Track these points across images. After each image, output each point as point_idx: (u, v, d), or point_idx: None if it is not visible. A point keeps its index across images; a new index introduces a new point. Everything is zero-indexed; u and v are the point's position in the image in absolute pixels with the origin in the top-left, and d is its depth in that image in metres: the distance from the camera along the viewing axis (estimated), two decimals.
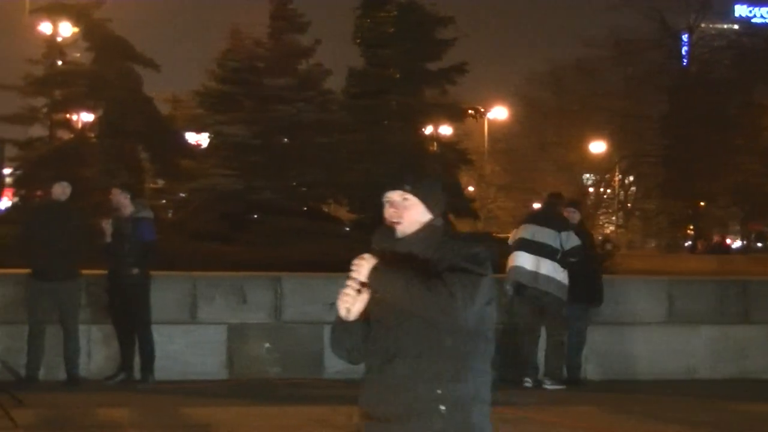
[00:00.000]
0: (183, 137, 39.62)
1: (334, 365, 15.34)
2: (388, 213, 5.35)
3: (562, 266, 14.70)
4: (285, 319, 15.39)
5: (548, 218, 15.21)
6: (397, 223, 5.34)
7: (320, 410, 12.95)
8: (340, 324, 5.53)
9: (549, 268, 14.71)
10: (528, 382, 14.88)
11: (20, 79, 41.29)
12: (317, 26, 37.25)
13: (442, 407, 5.15)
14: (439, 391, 5.18)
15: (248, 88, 34.27)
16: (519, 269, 14.76)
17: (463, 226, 36.13)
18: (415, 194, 5.35)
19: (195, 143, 39.90)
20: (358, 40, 35.65)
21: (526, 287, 14.75)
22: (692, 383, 15.81)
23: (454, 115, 37.16)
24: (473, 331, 5.19)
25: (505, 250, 15.44)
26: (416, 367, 5.23)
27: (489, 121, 72.11)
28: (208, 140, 38.33)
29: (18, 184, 39.13)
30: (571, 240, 14.81)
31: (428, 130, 36.18)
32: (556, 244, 14.74)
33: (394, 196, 5.39)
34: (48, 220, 14.47)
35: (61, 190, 14.70)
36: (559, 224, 14.99)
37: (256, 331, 15.33)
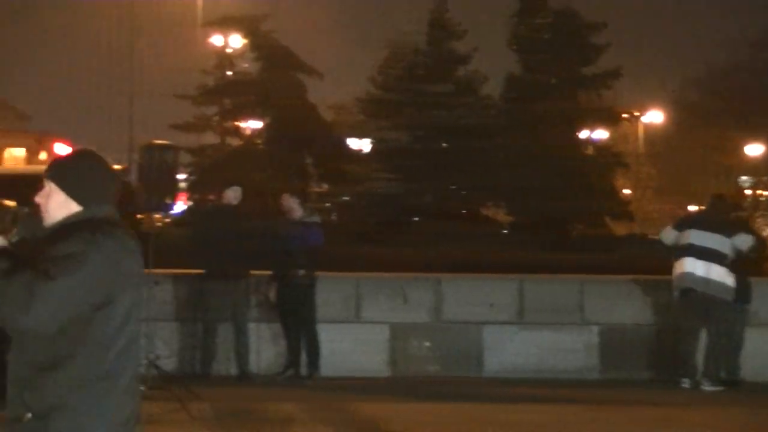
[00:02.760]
0: (345, 143, 39.87)
1: (493, 364, 15.34)
2: (36, 199, 4.81)
3: (731, 270, 14.39)
4: (445, 319, 15.39)
5: (715, 223, 14.81)
6: (43, 211, 4.80)
7: (480, 408, 12.91)
8: None
9: (720, 273, 14.38)
10: (685, 383, 14.59)
11: (193, 90, 42.14)
12: (474, 34, 37.21)
13: (29, 414, 4.52)
14: (25, 397, 4.55)
15: (408, 95, 34.38)
16: (690, 275, 14.44)
17: (620, 228, 35.68)
18: (55, 182, 4.77)
19: (357, 149, 40.11)
20: (515, 47, 35.45)
21: (696, 291, 14.46)
22: None
23: (609, 119, 36.73)
24: (67, 337, 4.45)
25: (658, 249, 15.22)
26: (10, 369, 4.62)
27: (644, 124, 71.09)
28: (369, 145, 38.54)
29: (191, 188, 39.90)
30: (745, 240, 14.51)
31: (583, 134, 35.82)
32: (724, 249, 14.40)
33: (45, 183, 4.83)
34: (221, 222, 14.73)
35: (234, 195, 14.99)
36: (728, 229, 14.64)
37: (417, 331, 15.35)
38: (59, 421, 4.47)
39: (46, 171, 4.88)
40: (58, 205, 4.74)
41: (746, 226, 15.18)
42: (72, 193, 4.73)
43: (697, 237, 14.62)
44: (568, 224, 31.36)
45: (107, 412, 4.58)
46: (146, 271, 13.28)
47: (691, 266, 14.45)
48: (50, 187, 4.75)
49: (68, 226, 4.66)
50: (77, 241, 4.52)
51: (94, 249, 4.51)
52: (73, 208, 4.72)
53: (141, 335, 4.88)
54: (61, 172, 4.81)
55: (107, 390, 4.56)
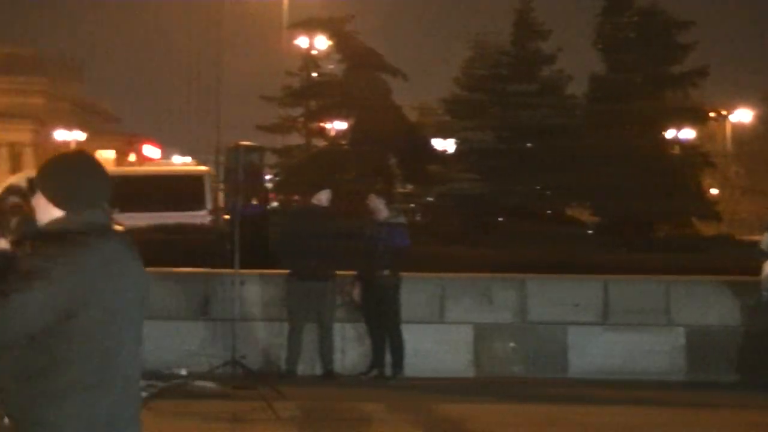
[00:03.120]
0: (430, 143, 39.85)
1: (578, 365, 15.28)
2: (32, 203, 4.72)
3: None
4: (529, 320, 15.37)
5: None
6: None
7: (564, 409, 12.90)
8: None
9: None
10: None
11: (279, 91, 42.43)
12: (558, 33, 37.08)
13: (5, 419, 4.47)
14: (4, 407, 4.52)
15: (493, 95, 34.31)
16: None
17: (707, 229, 35.32)
18: (38, 186, 4.72)
19: (441, 149, 40.09)
20: (600, 46, 35.18)
21: None
22: None
23: (696, 118, 36.32)
24: (36, 349, 4.41)
25: (747, 252, 15.07)
26: None
27: (732, 123, 70.34)
28: (454, 146, 38.50)
29: (277, 189, 40.16)
30: None
31: (670, 133, 35.47)
32: None
33: None
34: (311, 224, 14.83)
35: (325, 197, 15.10)
36: None
37: (501, 331, 15.35)
38: None
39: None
40: (41, 210, 4.69)
41: None
42: (52, 198, 4.66)
43: None
44: (653, 225, 31.08)
45: (90, 425, 4.46)
46: (233, 271, 13.51)
47: None
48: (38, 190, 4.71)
49: (45, 235, 4.59)
50: (41, 256, 4.46)
51: (54, 265, 4.42)
52: (54, 213, 4.66)
53: (138, 341, 4.70)
54: (43, 175, 4.76)
55: (89, 403, 4.45)
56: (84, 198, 4.72)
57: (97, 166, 4.87)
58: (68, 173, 4.77)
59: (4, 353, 4.39)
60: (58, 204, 4.65)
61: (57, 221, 4.65)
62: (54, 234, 4.62)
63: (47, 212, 4.67)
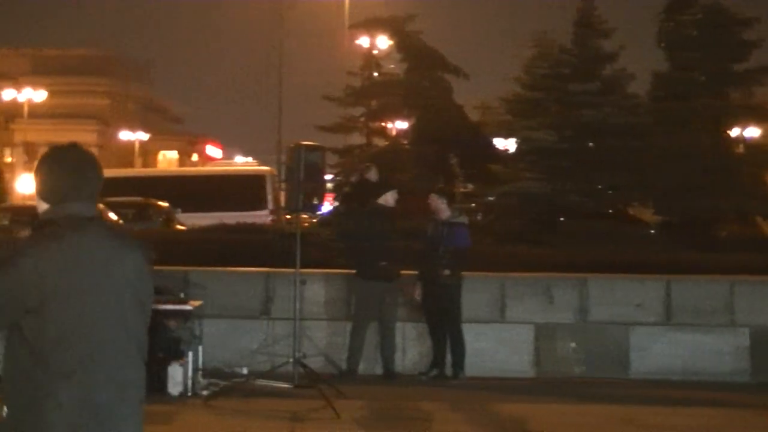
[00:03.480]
0: (491, 143, 39.78)
1: (640, 366, 15.18)
2: None
3: None
4: (591, 320, 15.31)
5: None
6: None
7: (626, 410, 12.82)
8: None
9: None
10: None
11: (340, 91, 42.52)
12: (621, 31, 36.86)
13: (5, 408, 4.63)
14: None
15: (554, 94, 34.11)
16: None
17: None
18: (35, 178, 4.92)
19: (503, 148, 39.99)
20: (662, 44, 34.89)
21: None
22: None
23: (761, 116, 35.92)
24: (10, 340, 4.58)
25: None
26: None
27: None
28: (515, 145, 38.37)
29: (337, 189, 40.27)
30: None
31: (734, 132, 35.14)
32: None
33: None
34: (376, 224, 14.86)
35: (392, 197, 15.11)
36: None
37: (562, 331, 15.30)
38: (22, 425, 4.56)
39: None
40: (37, 204, 4.83)
41: None
42: (38, 192, 4.80)
43: None
44: (717, 224, 30.81)
45: (77, 413, 4.58)
46: (293, 270, 13.54)
47: None
48: None
49: (33, 226, 4.77)
50: (16, 247, 4.60)
51: (21, 255, 4.56)
52: (43, 205, 4.79)
53: (128, 326, 4.74)
54: (34, 171, 4.94)
55: (71, 391, 4.56)
56: (66, 191, 4.81)
57: (82, 160, 4.98)
58: (51, 168, 4.87)
59: None
60: (43, 198, 4.80)
61: (44, 213, 4.79)
62: (35, 226, 4.81)
63: (39, 205, 4.82)
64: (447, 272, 14.54)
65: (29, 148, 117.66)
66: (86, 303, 4.69)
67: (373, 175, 17.61)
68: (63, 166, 4.91)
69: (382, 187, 15.57)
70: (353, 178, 18.88)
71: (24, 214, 27.91)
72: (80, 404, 4.61)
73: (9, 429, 4.65)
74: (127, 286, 4.85)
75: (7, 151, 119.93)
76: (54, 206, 4.80)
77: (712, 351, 15.20)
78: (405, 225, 15.72)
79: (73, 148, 5.04)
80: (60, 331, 4.59)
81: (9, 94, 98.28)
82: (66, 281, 4.62)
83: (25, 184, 75.58)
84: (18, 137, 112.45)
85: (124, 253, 4.88)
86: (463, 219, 15.15)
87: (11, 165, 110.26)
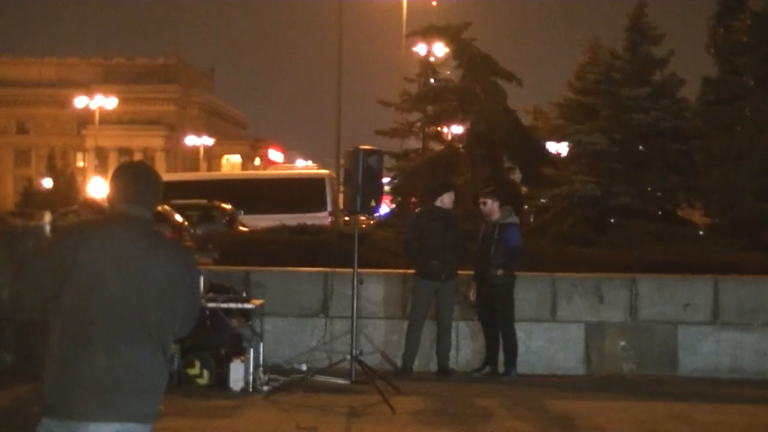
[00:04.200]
0: (544, 146, 39.68)
1: (688, 364, 15.11)
2: None
3: None
4: (641, 318, 15.25)
5: None
6: None
7: (675, 407, 12.77)
8: None
9: None
10: None
11: (397, 97, 42.63)
12: (671, 37, 36.75)
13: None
14: None
15: (606, 99, 34.02)
16: None
17: None
18: None
19: (555, 152, 39.91)
20: (712, 50, 34.69)
21: None
22: None
23: None
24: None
25: None
26: None
27: None
28: (567, 149, 38.28)
29: (395, 191, 40.36)
30: None
31: None
32: None
33: None
34: (437, 225, 14.89)
35: (450, 199, 15.14)
36: None
37: (612, 330, 15.25)
38: None
39: None
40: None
41: None
42: (106, 197, 5.88)
43: None
44: (764, 226, 30.56)
45: (77, 380, 5.27)
46: (351, 270, 13.60)
47: None
48: None
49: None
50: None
51: (68, 230, 5.91)
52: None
53: (149, 319, 5.40)
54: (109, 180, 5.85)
55: (71, 357, 5.27)
56: (120, 197, 5.68)
57: (138, 173, 5.86)
58: (114, 180, 5.75)
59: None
60: (108, 202, 5.76)
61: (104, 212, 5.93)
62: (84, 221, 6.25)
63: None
64: (500, 272, 14.54)
65: (100, 153, 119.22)
66: (103, 284, 5.35)
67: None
68: (122, 178, 5.75)
69: (439, 189, 15.58)
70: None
71: (94, 214, 28.21)
72: (85, 373, 5.28)
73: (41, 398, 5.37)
74: (154, 284, 5.48)
75: (79, 156, 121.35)
76: (110, 206, 5.71)
77: (760, 350, 15.11)
78: (462, 226, 15.69)
79: (134, 163, 6.03)
80: (70, 306, 5.31)
81: (81, 101, 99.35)
82: (91, 258, 5.35)
83: (96, 187, 76.26)
84: (89, 143, 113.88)
85: (156, 255, 5.54)
86: (514, 219, 15.13)
87: (83, 169, 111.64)
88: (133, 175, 5.77)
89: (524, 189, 40.14)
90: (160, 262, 5.54)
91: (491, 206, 14.98)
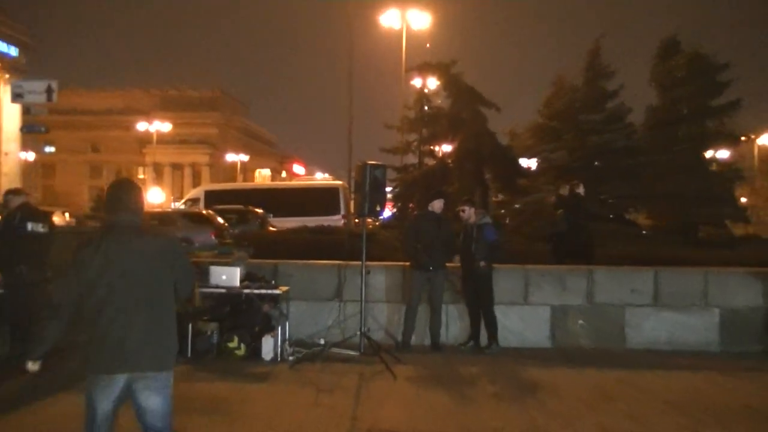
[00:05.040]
0: (518, 162, 39.63)
1: (634, 339, 15.11)
2: None
3: None
4: (596, 302, 15.23)
5: None
6: None
7: (625, 373, 12.76)
8: None
9: None
10: None
11: (399, 121, 42.57)
12: (621, 73, 36.72)
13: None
14: None
15: (568, 123, 34.05)
16: None
17: (738, 230, 34.55)
18: None
19: (527, 166, 39.84)
20: (654, 83, 34.67)
21: None
22: None
23: (731, 141, 35.55)
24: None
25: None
26: None
27: (759, 145, 69.52)
28: (537, 164, 38.24)
29: (396, 198, 40.30)
30: None
31: (709, 153, 34.81)
32: None
33: None
34: (430, 226, 14.88)
35: (440, 205, 15.14)
36: None
37: (573, 311, 15.23)
38: None
39: None
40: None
41: None
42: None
43: None
44: (696, 226, 30.54)
45: (104, 340, 6.21)
46: (360, 263, 13.59)
47: None
48: None
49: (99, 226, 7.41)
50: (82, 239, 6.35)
51: (72, 261, 6.26)
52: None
53: (139, 298, 6.25)
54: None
55: (95, 327, 6.22)
56: (110, 207, 6.33)
57: (121, 188, 6.45)
58: (106, 194, 6.39)
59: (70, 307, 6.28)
60: (104, 210, 6.36)
61: (105, 220, 6.33)
62: (100, 226, 6.88)
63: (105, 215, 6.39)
64: (483, 263, 14.55)
65: (157, 167, 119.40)
66: (111, 275, 6.15)
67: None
68: (110, 193, 6.41)
69: (431, 198, 15.59)
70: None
71: (152, 218, 28.24)
72: (113, 337, 6.17)
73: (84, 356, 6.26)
74: (146, 265, 6.23)
75: (140, 170, 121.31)
76: (107, 215, 6.32)
77: (690, 327, 15.10)
78: (454, 227, 15.69)
79: (117, 182, 6.54)
80: (87, 295, 6.19)
81: (142, 126, 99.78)
82: (101, 260, 6.16)
83: (153, 196, 76.28)
84: (148, 159, 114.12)
85: (139, 243, 6.23)
86: (488, 219, 15.11)
87: (143, 180, 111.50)
88: (117, 191, 6.40)
89: (500, 196, 40.10)
90: (145, 247, 6.26)
91: (469, 212, 15.00)
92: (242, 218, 30.46)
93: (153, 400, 6.19)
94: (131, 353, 6.13)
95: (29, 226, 12.24)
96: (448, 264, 14.89)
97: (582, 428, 9.68)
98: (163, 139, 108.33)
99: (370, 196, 14.03)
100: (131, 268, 6.18)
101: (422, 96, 42.53)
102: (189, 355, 13.54)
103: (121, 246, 6.16)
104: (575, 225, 17.70)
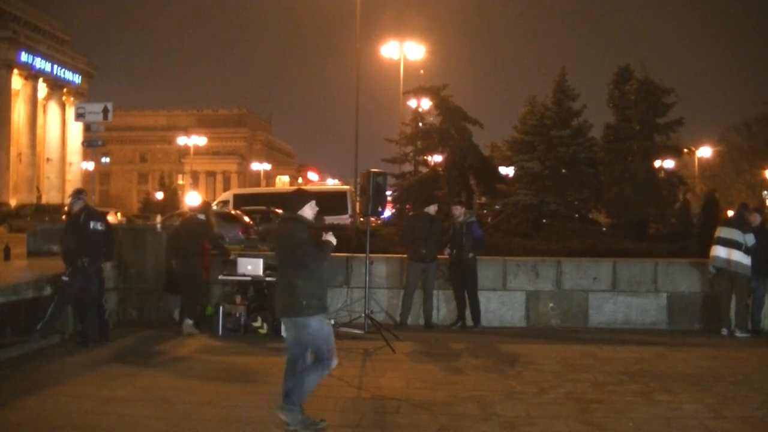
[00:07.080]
0: (498, 170, 39.56)
1: (595, 319, 15.11)
2: None
3: (746, 254, 14.06)
4: (564, 288, 15.23)
5: (737, 222, 14.49)
6: None
7: (588, 348, 12.76)
8: None
9: (737, 255, 14.08)
10: (724, 332, 14.16)
11: (397, 135, 42.53)
12: (584, 95, 36.80)
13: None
14: None
15: (540, 137, 33.94)
16: (717, 258, 14.24)
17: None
18: None
19: (506, 174, 39.75)
20: (611, 104, 34.61)
21: (722, 269, 14.20)
22: None
23: (675, 152, 35.42)
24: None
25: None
26: None
27: (698, 156, 69.96)
28: (514, 172, 38.16)
29: (395, 201, 40.25)
30: (749, 239, 14.15)
31: (657, 163, 34.75)
32: (741, 240, 14.11)
33: None
34: (424, 225, 14.90)
35: (434, 208, 15.16)
36: (744, 227, 14.29)
37: (544, 296, 15.23)
38: None
39: None
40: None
41: (760, 226, 14.59)
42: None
43: (724, 232, 14.43)
44: (647, 224, 30.51)
45: None
46: (365, 255, 13.56)
47: (718, 252, 14.30)
48: None
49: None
50: None
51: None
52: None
53: None
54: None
55: None
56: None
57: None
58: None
59: None
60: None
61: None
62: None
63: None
64: (470, 255, 14.57)
65: (194, 175, 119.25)
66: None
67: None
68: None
69: (425, 201, 15.67)
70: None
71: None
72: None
73: None
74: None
75: (180, 177, 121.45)
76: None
77: (642, 309, 15.09)
78: (442, 225, 15.68)
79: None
80: None
81: (182, 140, 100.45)
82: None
83: (190, 199, 76.26)
84: (187, 168, 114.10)
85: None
86: (473, 218, 15.13)
87: (182, 186, 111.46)
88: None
89: (483, 199, 40.03)
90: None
91: (459, 210, 15.02)
92: (265, 217, 30.43)
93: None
94: (287, 304, 8.33)
95: (91, 224, 12.49)
96: (439, 256, 14.89)
97: (553, 394, 9.67)
98: (199, 151, 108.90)
99: (373, 198, 14.06)
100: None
101: (417, 114, 42.46)
102: (220, 333, 13.56)
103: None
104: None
